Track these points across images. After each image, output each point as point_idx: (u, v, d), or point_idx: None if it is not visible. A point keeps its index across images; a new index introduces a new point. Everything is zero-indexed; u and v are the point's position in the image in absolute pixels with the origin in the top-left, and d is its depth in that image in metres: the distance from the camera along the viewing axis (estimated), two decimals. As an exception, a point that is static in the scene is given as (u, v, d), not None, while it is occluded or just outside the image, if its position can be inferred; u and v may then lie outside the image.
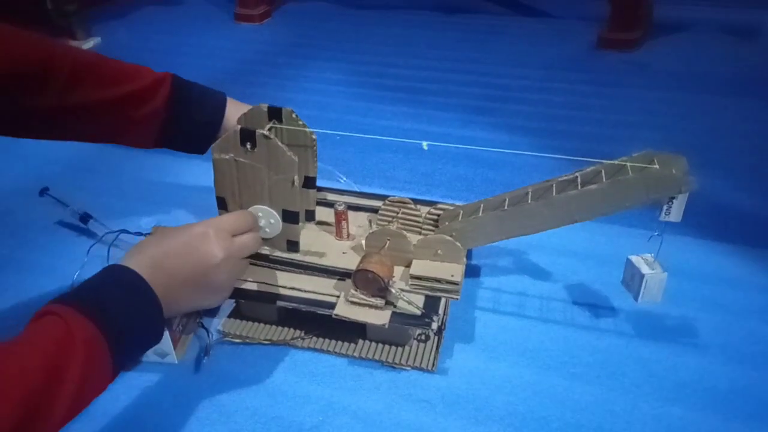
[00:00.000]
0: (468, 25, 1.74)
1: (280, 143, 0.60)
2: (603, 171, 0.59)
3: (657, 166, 0.55)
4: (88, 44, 1.59)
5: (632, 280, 0.64)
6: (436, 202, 0.72)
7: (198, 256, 0.52)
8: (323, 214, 0.73)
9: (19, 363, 0.39)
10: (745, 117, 1.15)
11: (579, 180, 0.60)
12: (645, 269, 0.62)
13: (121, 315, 0.46)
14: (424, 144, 0.64)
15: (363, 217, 0.73)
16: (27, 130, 0.62)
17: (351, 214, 0.70)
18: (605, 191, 0.58)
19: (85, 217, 0.83)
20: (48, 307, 0.44)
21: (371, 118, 1.19)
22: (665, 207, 0.58)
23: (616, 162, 0.59)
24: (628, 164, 0.58)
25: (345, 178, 0.90)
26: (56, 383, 0.40)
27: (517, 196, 0.64)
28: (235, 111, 0.68)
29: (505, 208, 0.62)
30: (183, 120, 0.66)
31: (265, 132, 0.59)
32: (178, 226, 0.56)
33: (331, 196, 0.79)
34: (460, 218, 0.65)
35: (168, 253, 0.51)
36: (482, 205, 0.65)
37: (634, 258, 0.64)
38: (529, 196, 0.62)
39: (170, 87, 0.65)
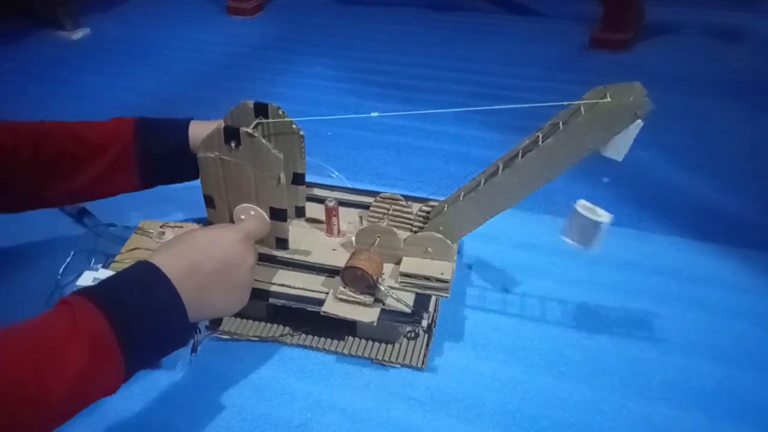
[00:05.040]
0: (459, 22, 1.73)
1: (264, 141, 0.59)
2: (560, 122, 0.56)
3: (608, 99, 0.51)
4: (77, 35, 1.57)
5: (579, 228, 0.58)
6: (427, 199, 0.72)
7: (236, 262, 0.53)
8: (314, 210, 0.73)
9: (7, 342, 0.39)
10: (732, 119, 1.15)
11: (540, 138, 0.57)
12: (596, 218, 0.56)
13: (138, 316, 0.44)
14: (374, 113, 0.63)
15: (354, 213, 0.73)
16: (6, 208, 0.65)
17: (342, 210, 0.70)
18: (562, 141, 0.54)
19: (82, 213, 0.83)
20: (64, 298, 0.44)
21: (362, 114, 1.18)
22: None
23: (571, 104, 0.55)
24: (581, 104, 0.53)
25: (337, 173, 0.89)
26: (52, 367, 0.39)
27: (490, 172, 0.62)
28: (198, 131, 0.67)
29: (479, 187, 0.61)
30: (155, 153, 0.68)
31: (249, 130, 0.58)
32: (204, 227, 0.56)
33: (322, 192, 0.78)
34: (445, 211, 0.65)
35: (207, 257, 0.51)
36: (462, 193, 0.64)
37: (580, 207, 0.58)
38: (500, 169, 0.60)
39: (134, 126, 0.67)
